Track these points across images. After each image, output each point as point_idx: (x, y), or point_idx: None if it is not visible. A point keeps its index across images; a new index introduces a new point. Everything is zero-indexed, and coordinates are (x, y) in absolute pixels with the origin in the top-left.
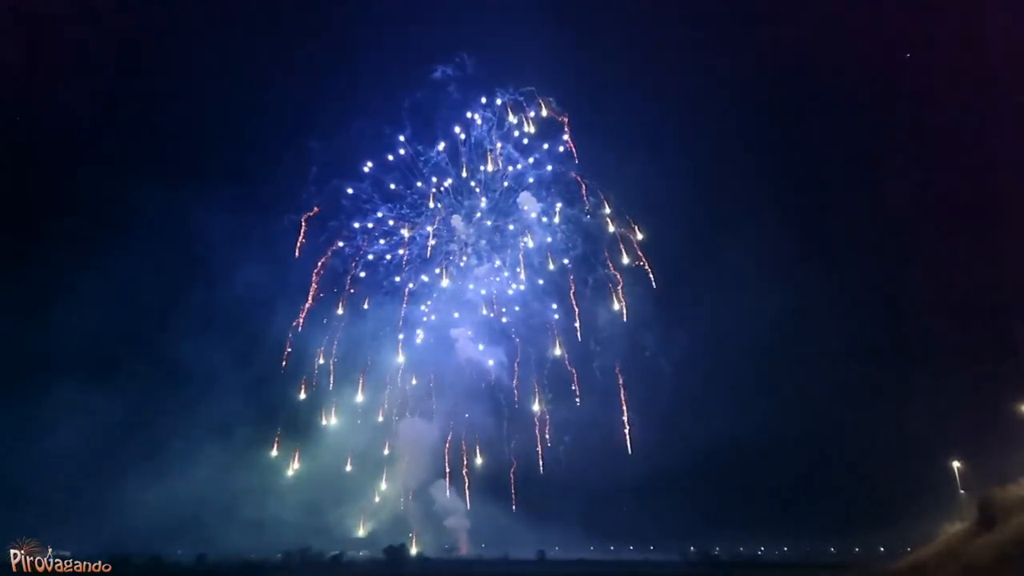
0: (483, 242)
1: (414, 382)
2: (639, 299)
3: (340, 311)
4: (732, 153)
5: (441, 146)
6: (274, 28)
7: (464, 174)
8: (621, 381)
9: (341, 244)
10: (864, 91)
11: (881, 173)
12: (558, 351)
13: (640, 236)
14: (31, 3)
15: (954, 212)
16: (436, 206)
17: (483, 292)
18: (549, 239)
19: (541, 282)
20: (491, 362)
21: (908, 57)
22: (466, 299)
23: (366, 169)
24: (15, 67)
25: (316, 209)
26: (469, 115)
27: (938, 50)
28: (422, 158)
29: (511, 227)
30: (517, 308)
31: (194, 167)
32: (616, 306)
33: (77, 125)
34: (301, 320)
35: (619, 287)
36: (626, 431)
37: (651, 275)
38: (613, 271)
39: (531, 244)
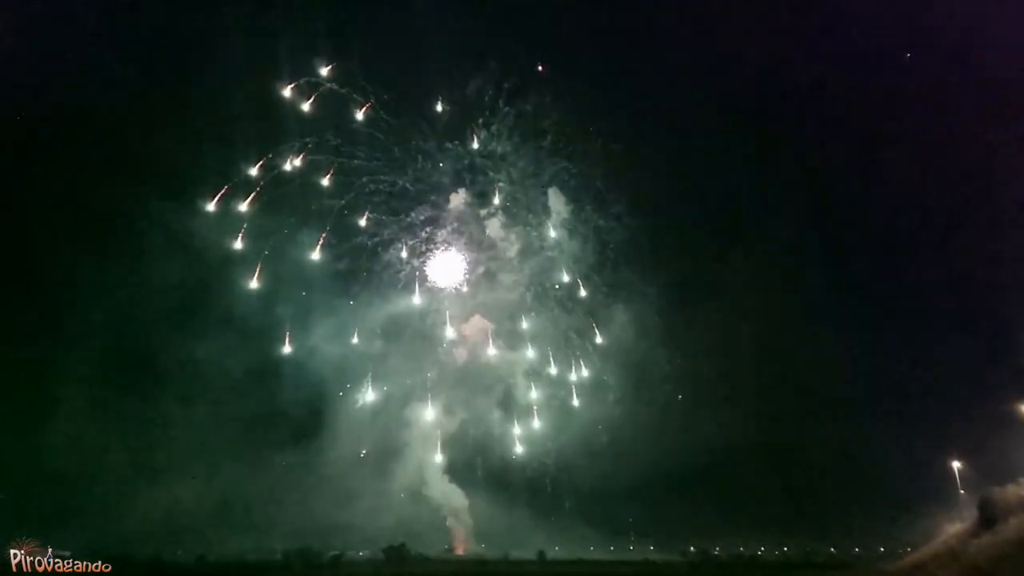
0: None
1: (418, 379)
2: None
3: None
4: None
5: None
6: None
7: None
8: (622, 380)
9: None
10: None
11: (882, 174)
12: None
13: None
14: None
15: (954, 212)
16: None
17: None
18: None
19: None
20: (496, 360)
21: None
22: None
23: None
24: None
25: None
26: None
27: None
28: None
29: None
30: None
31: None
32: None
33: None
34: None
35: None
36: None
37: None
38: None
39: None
